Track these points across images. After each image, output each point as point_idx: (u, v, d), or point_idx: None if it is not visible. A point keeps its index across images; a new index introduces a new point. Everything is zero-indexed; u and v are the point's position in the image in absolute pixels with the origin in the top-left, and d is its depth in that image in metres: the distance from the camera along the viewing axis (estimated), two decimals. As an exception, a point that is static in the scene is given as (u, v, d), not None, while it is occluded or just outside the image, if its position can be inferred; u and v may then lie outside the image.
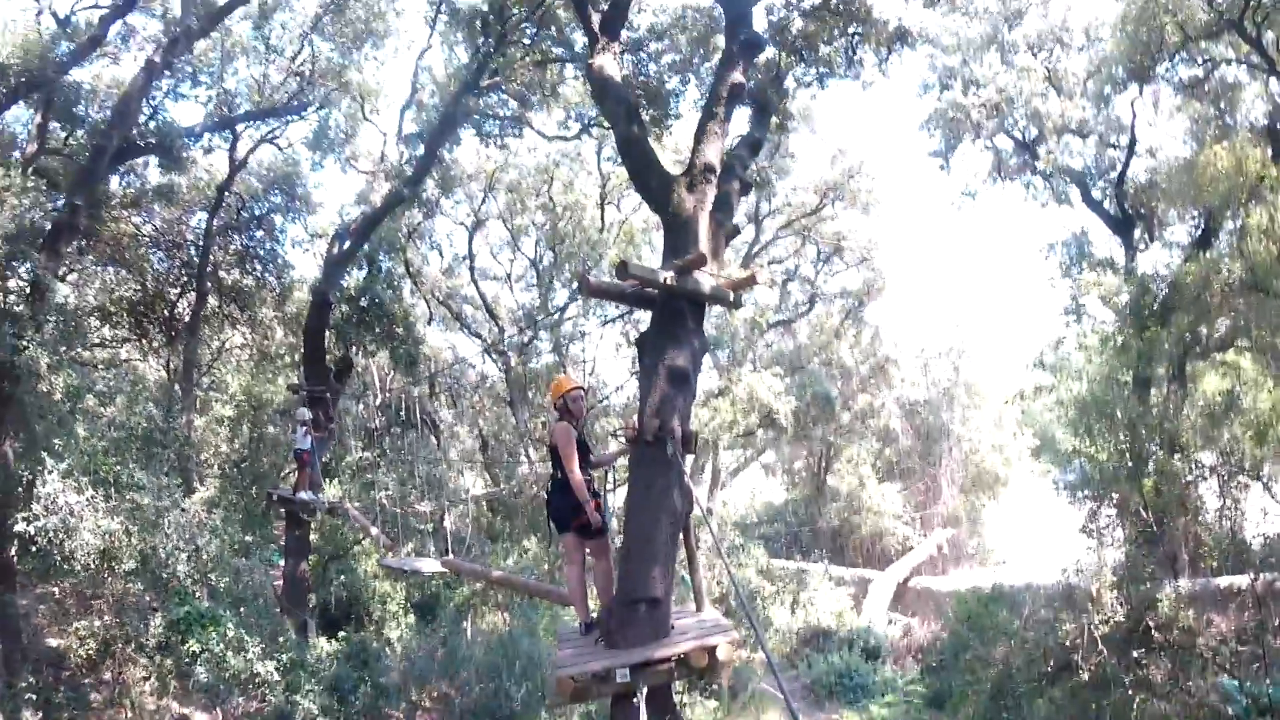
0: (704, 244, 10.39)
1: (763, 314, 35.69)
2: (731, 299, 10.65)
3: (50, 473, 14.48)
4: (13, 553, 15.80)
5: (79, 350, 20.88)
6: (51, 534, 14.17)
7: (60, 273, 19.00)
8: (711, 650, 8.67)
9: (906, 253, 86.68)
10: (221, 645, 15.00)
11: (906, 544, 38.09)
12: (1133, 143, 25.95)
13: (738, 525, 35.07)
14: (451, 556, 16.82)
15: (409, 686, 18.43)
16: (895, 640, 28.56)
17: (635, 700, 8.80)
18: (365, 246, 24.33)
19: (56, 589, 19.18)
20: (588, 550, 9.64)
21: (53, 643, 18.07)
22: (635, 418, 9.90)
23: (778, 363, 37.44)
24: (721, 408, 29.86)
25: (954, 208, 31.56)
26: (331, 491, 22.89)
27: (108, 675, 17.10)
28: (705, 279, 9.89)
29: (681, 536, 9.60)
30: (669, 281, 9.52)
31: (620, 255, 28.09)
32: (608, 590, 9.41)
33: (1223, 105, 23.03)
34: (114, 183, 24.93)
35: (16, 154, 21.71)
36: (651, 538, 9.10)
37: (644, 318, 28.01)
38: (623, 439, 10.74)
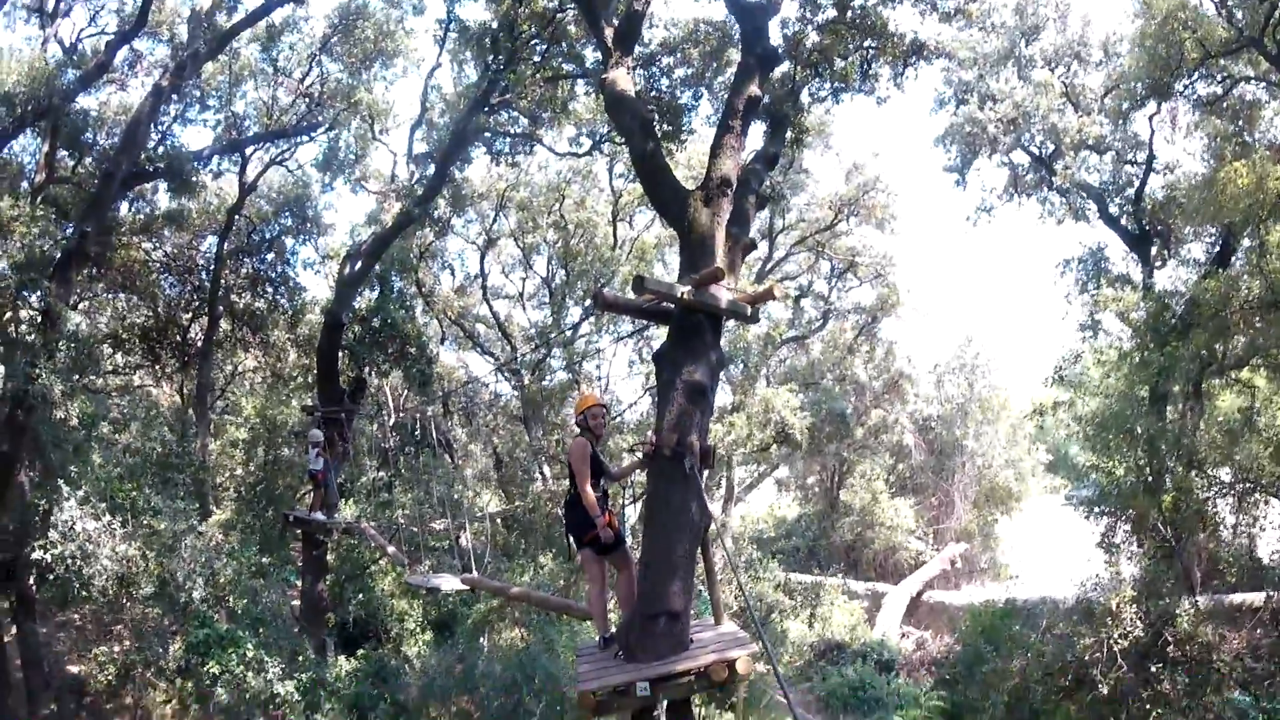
0: (720, 258, 10.33)
1: (776, 329, 35.54)
2: (749, 313, 10.64)
3: (67, 500, 14.56)
4: (31, 582, 15.87)
5: (92, 378, 21.00)
6: (69, 561, 14.24)
7: (71, 300, 19.11)
8: (731, 664, 8.60)
9: (921, 268, 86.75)
10: (241, 666, 15.02)
11: (919, 558, 37.99)
12: (1150, 159, 25.94)
13: (754, 540, 35.01)
14: (472, 573, 16.77)
15: (428, 703, 18.38)
16: (908, 654, 28.57)
17: (656, 714, 8.77)
18: (377, 267, 24.33)
19: (76, 616, 19.26)
20: (608, 563, 9.63)
21: (73, 670, 18.14)
22: (651, 433, 9.86)
23: (791, 378, 37.40)
24: (736, 423, 29.70)
25: (969, 223, 31.32)
26: (348, 512, 22.88)
27: (129, 700, 17.15)
28: (723, 293, 9.83)
29: (700, 551, 9.59)
30: (686, 296, 9.46)
31: (633, 272, 28.05)
32: (631, 601, 9.40)
33: (1242, 122, 22.90)
34: (123, 209, 25.11)
35: (25, 184, 21.82)
36: (670, 552, 9.06)
37: (657, 334, 28.09)
38: (638, 454, 10.69)
